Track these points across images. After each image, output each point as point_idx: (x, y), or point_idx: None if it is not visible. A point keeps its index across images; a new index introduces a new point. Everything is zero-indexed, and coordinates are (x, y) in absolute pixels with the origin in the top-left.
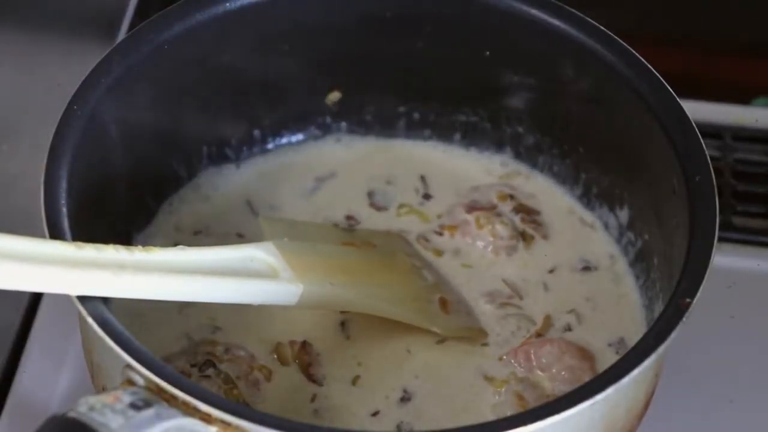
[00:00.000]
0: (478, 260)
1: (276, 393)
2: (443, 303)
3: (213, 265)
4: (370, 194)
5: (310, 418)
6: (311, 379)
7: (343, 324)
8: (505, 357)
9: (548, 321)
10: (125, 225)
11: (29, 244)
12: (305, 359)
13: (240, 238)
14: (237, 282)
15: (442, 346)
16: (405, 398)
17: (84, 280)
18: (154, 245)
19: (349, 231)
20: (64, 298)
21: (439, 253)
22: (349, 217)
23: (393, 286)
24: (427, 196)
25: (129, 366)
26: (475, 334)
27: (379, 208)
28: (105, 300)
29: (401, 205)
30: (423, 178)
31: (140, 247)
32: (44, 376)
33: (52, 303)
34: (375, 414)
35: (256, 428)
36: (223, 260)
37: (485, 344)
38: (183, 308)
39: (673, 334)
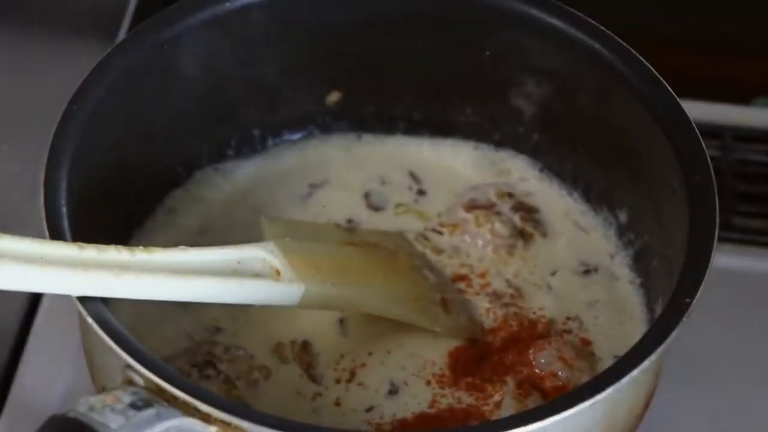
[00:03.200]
0: (478, 259)
1: (276, 393)
2: (444, 303)
3: (214, 266)
4: (367, 195)
5: (310, 416)
6: (311, 378)
7: (341, 321)
8: (503, 356)
9: (548, 321)
10: (125, 224)
11: (30, 245)
12: (305, 359)
13: (239, 237)
14: (238, 283)
15: (439, 344)
16: (392, 391)
17: (85, 280)
18: (155, 245)
19: (349, 231)
20: (64, 298)
21: (438, 251)
22: (349, 220)
23: (395, 285)
24: (421, 192)
25: (129, 366)
26: (476, 334)
27: (377, 209)
28: (106, 299)
29: (398, 205)
30: (413, 177)
31: (141, 247)
32: (44, 376)
33: (52, 303)
34: (369, 410)
35: (256, 428)
36: (224, 260)
37: (484, 343)
38: (185, 307)
39: (673, 334)
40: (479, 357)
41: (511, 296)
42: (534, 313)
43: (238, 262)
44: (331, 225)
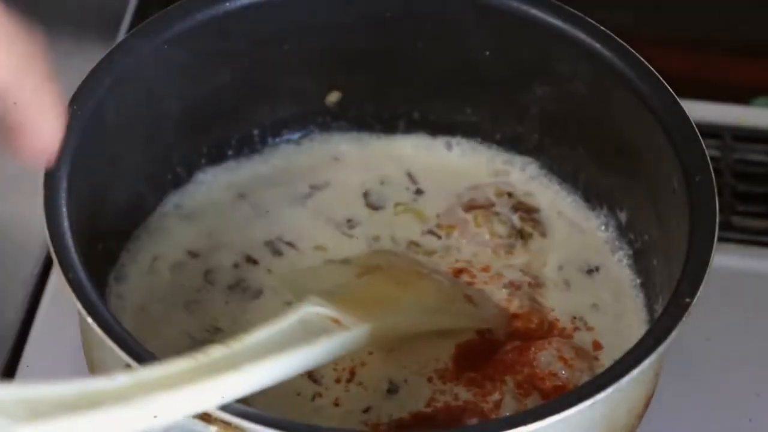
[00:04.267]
0: (478, 260)
1: (276, 393)
2: (468, 298)
3: (283, 339)
4: (367, 195)
5: (309, 417)
6: (311, 378)
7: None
8: (504, 355)
9: (547, 322)
10: (125, 224)
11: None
12: None
13: (240, 237)
14: (315, 345)
15: (446, 340)
16: (391, 390)
17: (196, 395)
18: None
19: (344, 262)
20: (65, 298)
21: (438, 252)
22: (348, 220)
23: (424, 298)
24: (420, 192)
25: (129, 366)
26: (506, 320)
27: (376, 208)
28: (106, 299)
29: (398, 204)
30: (413, 176)
31: (211, 349)
32: (44, 376)
33: (52, 303)
34: (367, 410)
35: (256, 428)
36: (289, 330)
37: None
38: (186, 308)
39: (673, 334)
40: (487, 351)
41: (511, 297)
42: (533, 312)
43: (303, 326)
44: (335, 263)
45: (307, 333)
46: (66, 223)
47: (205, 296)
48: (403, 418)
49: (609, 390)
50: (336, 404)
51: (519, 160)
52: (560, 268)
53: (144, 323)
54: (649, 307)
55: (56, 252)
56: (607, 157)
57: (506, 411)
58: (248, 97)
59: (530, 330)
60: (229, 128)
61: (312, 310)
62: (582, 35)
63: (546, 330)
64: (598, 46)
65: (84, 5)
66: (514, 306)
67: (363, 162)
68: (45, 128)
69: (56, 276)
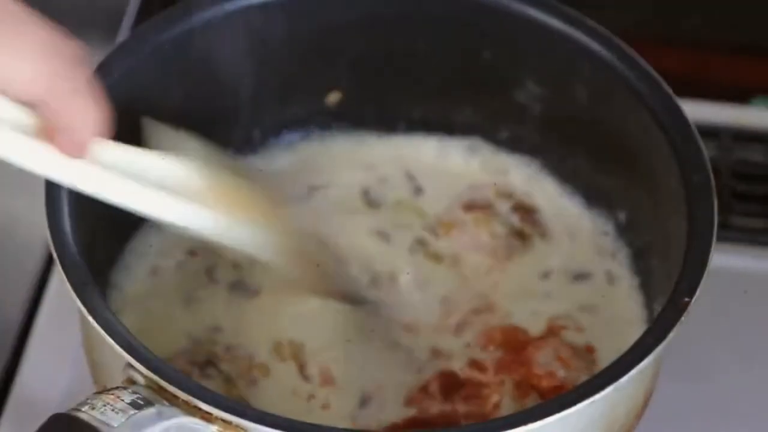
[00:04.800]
0: (477, 261)
1: (274, 392)
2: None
3: (135, 168)
4: (366, 194)
5: (306, 417)
6: (305, 378)
7: (344, 322)
8: (502, 355)
9: (547, 322)
10: (126, 225)
11: None
12: (303, 359)
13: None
14: (157, 196)
15: (441, 343)
16: (387, 392)
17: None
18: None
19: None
20: (66, 298)
21: (436, 254)
22: None
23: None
24: (419, 193)
25: (130, 365)
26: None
27: (375, 208)
28: (107, 299)
29: (397, 204)
30: (412, 176)
31: None
32: (45, 376)
33: (54, 302)
34: (360, 411)
35: (257, 427)
36: (159, 169)
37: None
38: (187, 306)
39: (672, 334)
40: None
41: (511, 298)
42: (532, 313)
43: (161, 174)
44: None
45: (174, 185)
46: (67, 222)
47: (205, 295)
48: (398, 420)
49: (608, 390)
50: (329, 404)
51: (519, 160)
52: (559, 268)
53: (145, 322)
54: (648, 307)
55: (57, 251)
56: (606, 158)
57: (505, 411)
58: (248, 97)
59: (531, 330)
60: (229, 128)
61: (180, 168)
62: (581, 36)
63: (545, 331)
64: (597, 46)
65: (84, 5)
66: (516, 306)
67: (363, 162)
68: (83, 130)
69: (57, 275)
